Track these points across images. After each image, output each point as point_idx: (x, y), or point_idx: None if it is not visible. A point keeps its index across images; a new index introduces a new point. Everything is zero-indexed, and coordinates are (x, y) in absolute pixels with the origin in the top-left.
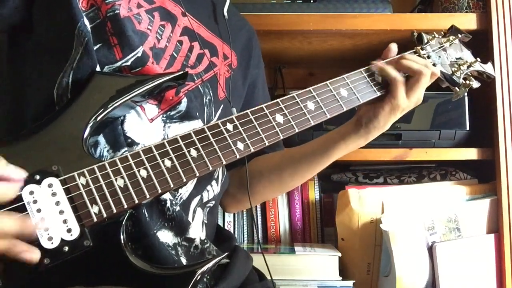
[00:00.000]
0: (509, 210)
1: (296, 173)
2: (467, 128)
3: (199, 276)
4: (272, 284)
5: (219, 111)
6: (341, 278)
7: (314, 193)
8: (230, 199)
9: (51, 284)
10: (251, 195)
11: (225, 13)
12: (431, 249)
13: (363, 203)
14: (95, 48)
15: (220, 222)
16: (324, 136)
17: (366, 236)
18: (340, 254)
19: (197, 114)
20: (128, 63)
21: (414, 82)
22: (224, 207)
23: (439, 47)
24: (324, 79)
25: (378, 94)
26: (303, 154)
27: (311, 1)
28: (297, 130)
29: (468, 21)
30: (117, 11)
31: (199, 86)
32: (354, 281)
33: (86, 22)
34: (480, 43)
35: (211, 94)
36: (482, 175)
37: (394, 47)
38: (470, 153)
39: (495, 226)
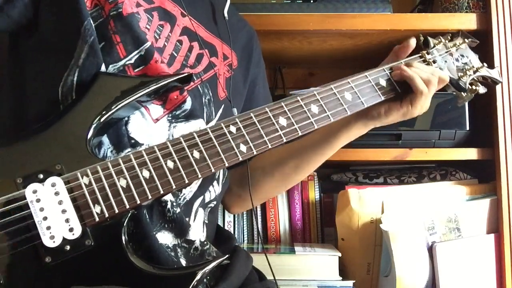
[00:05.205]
0: (509, 210)
1: (298, 166)
2: (467, 128)
3: (199, 278)
4: (274, 284)
5: (220, 111)
6: (341, 278)
7: (314, 193)
8: (235, 199)
9: (53, 283)
10: (255, 193)
11: (226, 14)
12: (431, 249)
13: (363, 203)
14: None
15: (220, 222)
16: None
17: (366, 236)
18: (340, 254)
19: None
20: (132, 61)
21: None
22: (228, 208)
23: (446, 52)
24: (324, 79)
25: (383, 98)
26: (305, 147)
27: (311, 1)
28: (300, 134)
29: (468, 21)
30: (120, 10)
31: (198, 86)
32: (354, 281)
33: (91, 21)
34: (480, 43)
35: (211, 94)
36: (482, 175)
37: (413, 42)
38: (470, 153)
39: (495, 226)
